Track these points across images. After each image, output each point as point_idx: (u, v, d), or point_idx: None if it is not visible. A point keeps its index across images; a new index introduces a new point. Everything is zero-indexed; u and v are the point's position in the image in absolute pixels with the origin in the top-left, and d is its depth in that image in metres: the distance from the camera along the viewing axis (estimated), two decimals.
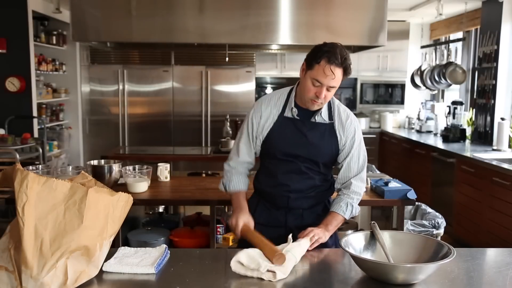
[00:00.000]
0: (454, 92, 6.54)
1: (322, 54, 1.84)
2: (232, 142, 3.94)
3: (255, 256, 1.63)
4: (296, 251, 1.68)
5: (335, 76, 1.85)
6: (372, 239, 1.70)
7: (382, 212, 3.50)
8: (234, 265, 1.59)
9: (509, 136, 4.75)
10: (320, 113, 1.99)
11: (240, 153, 2.11)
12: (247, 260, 1.59)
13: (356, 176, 2.05)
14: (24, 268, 1.35)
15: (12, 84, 5.05)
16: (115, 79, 6.35)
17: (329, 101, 2.03)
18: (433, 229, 3.17)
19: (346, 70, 1.88)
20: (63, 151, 6.14)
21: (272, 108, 2.04)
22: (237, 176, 2.12)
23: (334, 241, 2.10)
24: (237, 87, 6.42)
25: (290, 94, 2.04)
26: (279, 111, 2.03)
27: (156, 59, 6.36)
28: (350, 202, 2.03)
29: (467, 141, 5.40)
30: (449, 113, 5.62)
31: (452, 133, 5.43)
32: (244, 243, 2.08)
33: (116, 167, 2.93)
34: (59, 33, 6.01)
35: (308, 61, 1.90)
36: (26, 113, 5.12)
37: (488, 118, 5.11)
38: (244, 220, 1.97)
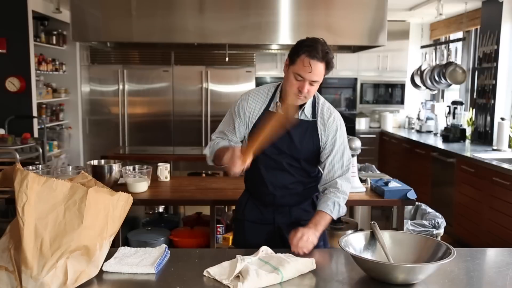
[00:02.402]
0: (454, 92, 6.54)
1: (303, 49, 1.85)
2: None
3: (226, 268, 1.59)
4: (289, 270, 1.58)
5: (317, 71, 1.85)
6: (372, 239, 1.70)
7: (382, 212, 3.50)
8: (205, 273, 1.57)
9: (509, 136, 4.75)
10: (303, 110, 1.99)
11: (226, 136, 2.08)
12: (215, 272, 1.57)
13: (342, 176, 2.02)
14: (24, 268, 1.35)
15: (12, 84, 5.05)
16: (115, 79, 6.35)
17: (314, 99, 2.03)
18: (433, 229, 3.17)
19: (328, 65, 1.88)
20: (63, 151, 6.15)
21: (259, 99, 2.04)
22: (225, 142, 2.06)
23: (323, 240, 2.11)
24: (237, 87, 6.42)
25: (277, 89, 2.05)
26: (265, 105, 2.03)
27: (156, 59, 6.36)
28: (337, 201, 1.98)
29: (467, 141, 5.40)
30: (449, 113, 5.62)
31: (452, 133, 5.43)
32: (239, 243, 2.08)
33: (116, 167, 2.93)
34: (59, 33, 6.01)
35: (291, 56, 1.91)
36: (26, 113, 5.12)
37: (488, 118, 5.11)
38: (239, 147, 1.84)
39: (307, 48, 1.84)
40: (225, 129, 2.09)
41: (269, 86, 2.10)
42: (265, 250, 1.70)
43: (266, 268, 1.57)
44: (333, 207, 1.96)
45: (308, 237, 1.81)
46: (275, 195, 2.04)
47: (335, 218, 1.99)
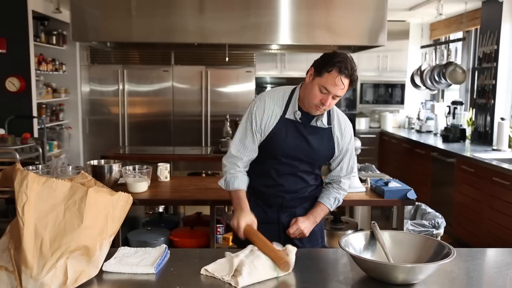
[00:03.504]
0: (454, 92, 6.54)
1: (333, 64, 1.86)
2: None
3: (224, 264, 1.59)
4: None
5: (344, 86, 1.88)
6: (372, 239, 1.70)
7: (382, 212, 3.49)
8: (203, 271, 1.58)
9: (509, 136, 4.75)
10: (321, 118, 2.02)
11: (245, 150, 2.06)
12: (214, 269, 1.58)
13: (346, 176, 2.17)
14: (24, 268, 1.35)
15: (12, 84, 5.05)
16: (115, 79, 6.35)
17: None
18: (433, 229, 3.17)
19: (353, 82, 1.91)
20: (63, 151, 6.15)
21: (275, 106, 2.02)
22: (241, 174, 2.08)
23: (321, 238, 2.24)
24: (237, 87, 6.42)
25: (293, 95, 2.03)
26: (281, 111, 2.02)
27: (156, 59, 6.36)
28: (338, 197, 2.16)
29: (467, 141, 5.40)
30: (449, 113, 5.62)
31: (452, 133, 5.43)
32: (242, 242, 2.08)
33: (116, 167, 2.93)
34: (59, 33, 6.01)
35: (318, 68, 1.91)
36: (26, 113, 5.12)
37: (488, 118, 5.11)
38: (247, 221, 1.93)
39: (338, 64, 1.86)
40: (246, 145, 2.05)
41: (283, 90, 2.07)
42: (253, 248, 1.70)
43: (262, 260, 1.59)
44: (333, 202, 2.15)
45: (303, 229, 2.05)
46: (284, 198, 2.08)
47: (332, 210, 2.19)
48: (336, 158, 2.12)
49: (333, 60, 1.87)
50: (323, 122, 2.03)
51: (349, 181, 2.21)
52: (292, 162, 2.03)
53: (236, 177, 2.07)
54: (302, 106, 2.01)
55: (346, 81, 1.88)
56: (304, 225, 2.06)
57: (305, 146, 2.02)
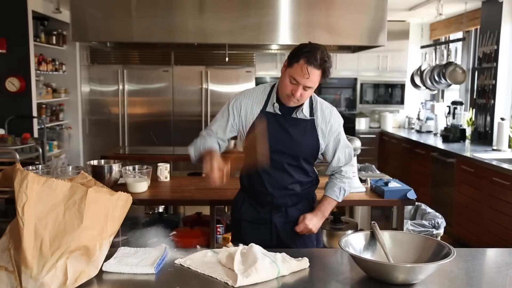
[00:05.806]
0: (454, 92, 6.54)
1: (301, 54, 1.86)
2: (232, 142, 3.95)
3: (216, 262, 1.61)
4: (283, 267, 1.59)
5: (312, 77, 1.87)
6: (372, 239, 1.70)
7: (382, 212, 3.49)
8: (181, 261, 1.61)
9: (509, 136, 4.75)
10: (302, 109, 2.01)
11: (214, 133, 2.09)
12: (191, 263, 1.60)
13: (346, 164, 2.14)
14: (24, 268, 1.35)
15: (12, 84, 5.05)
16: (115, 79, 6.35)
17: (310, 98, 2.06)
18: (433, 229, 3.17)
19: (325, 73, 1.89)
20: (63, 151, 6.15)
21: (253, 102, 2.05)
22: (212, 140, 2.07)
23: (316, 240, 2.22)
24: (237, 87, 6.41)
25: (273, 89, 2.06)
26: (261, 106, 2.04)
27: (156, 59, 6.36)
28: (342, 186, 2.12)
29: (467, 141, 5.40)
30: (449, 113, 5.62)
31: (452, 133, 5.43)
32: (241, 241, 2.09)
33: (116, 167, 2.93)
34: (59, 33, 6.01)
35: (290, 58, 1.92)
36: (26, 113, 5.12)
37: (488, 118, 5.11)
38: (218, 162, 1.87)
39: (306, 54, 1.85)
40: (215, 127, 2.10)
41: (264, 86, 2.11)
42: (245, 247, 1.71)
43: (265, 260, 1.58)
44: (339, 192, 2.12)
45: (311, 227, 2.03)
46: (274, 195, 2.06)
47: (340, 201, 2.15)
48: (328, 149, 2.09)
49: (302, 50, 1.87)
50: (304, 113, 2.02)
51: (352, 168, 2.17)
52: (276, 156, 2.01)
53: (207, 140, 2.05)
54: (280, 98, 2.02)
55: (314, 72, 1.86)
56: (312, 222, 2.05)
57: (286, 138, 2.01)
